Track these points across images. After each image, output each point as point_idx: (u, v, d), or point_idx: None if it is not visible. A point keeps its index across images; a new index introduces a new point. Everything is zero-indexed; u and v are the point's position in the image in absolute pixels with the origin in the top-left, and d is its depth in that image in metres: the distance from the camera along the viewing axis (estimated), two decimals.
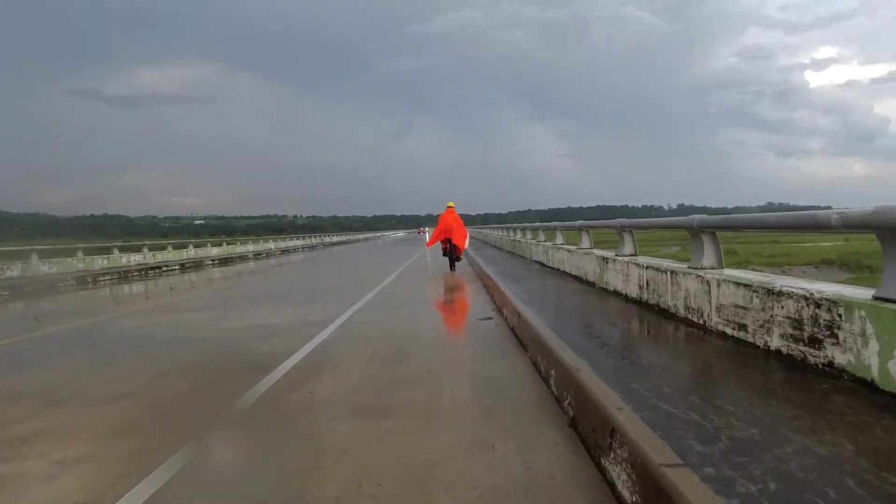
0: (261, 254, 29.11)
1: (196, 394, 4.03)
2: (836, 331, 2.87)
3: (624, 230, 6.67)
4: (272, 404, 3.63)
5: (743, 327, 3.74)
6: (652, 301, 5.42)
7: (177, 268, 20.45)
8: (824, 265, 26.83)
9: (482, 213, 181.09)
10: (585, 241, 8.59)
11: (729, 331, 3.92)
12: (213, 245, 26.40)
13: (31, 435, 3.22)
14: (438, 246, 13.84)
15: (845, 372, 2.83)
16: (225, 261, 24.31)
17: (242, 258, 26.15)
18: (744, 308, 3.71)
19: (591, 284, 7.66)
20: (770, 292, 3.41)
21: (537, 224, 13.01)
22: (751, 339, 3.63)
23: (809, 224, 3.23)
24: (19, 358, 5.78)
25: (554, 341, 4.15)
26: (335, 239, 50.96)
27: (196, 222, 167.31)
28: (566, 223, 10.83)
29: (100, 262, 18.35)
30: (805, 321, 3.10)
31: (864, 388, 2.68)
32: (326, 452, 2.77)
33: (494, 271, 10.44)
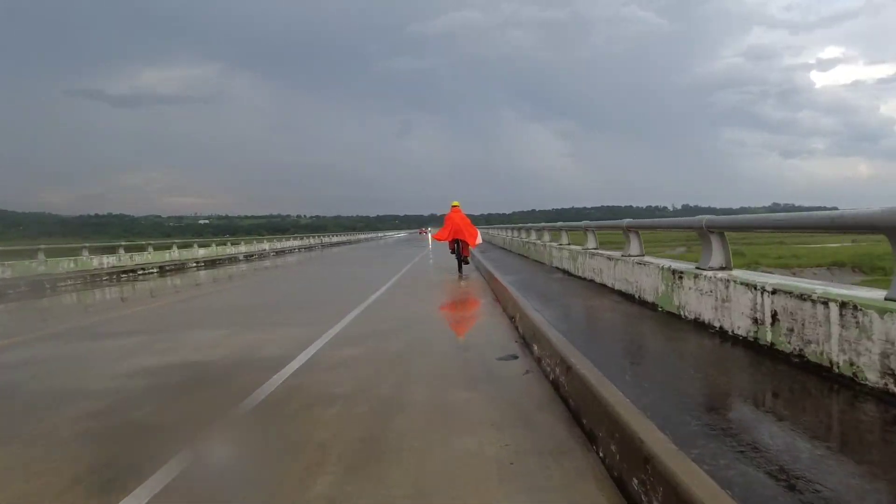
0: (253, 255, 27.03)
1: None
2: None
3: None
4: None
5: None
6: (786, 348, 3.27)
7: (154, 271, 18.39)
8: (836, 267, 24.72)
9: (485, 213, 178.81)
10: (635, 247, 6.41)
11: None
12: (200, 246, 24.29)
13: None
14: (442, 242, 12.38)
15: None
16: (211, 263, 22.25)
17: (232, 260, 24.07)
18: None
19: (650, 307, 5.49)
20: None
21: (559, 224, 10.83)
22: None
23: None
24: None
25: (670, 454, 2.01)
26: (335, 239, 48.86)
27: (200, 222, 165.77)
28: (600, 222, 8.70)
29: (65, 266, 16.27)
30: None
31: None
32: None
33: (511, 282, 8.29)
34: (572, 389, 3.27)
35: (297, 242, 37.01)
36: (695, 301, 4.53)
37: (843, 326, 2.79)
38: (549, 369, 3.96)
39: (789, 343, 3.26)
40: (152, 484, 2.41)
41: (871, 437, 2.22)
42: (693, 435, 2.25)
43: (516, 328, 5.80)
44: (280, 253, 30.31)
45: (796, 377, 2.99)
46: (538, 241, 12.74)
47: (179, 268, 19.80)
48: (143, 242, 21.46)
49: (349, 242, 47.22)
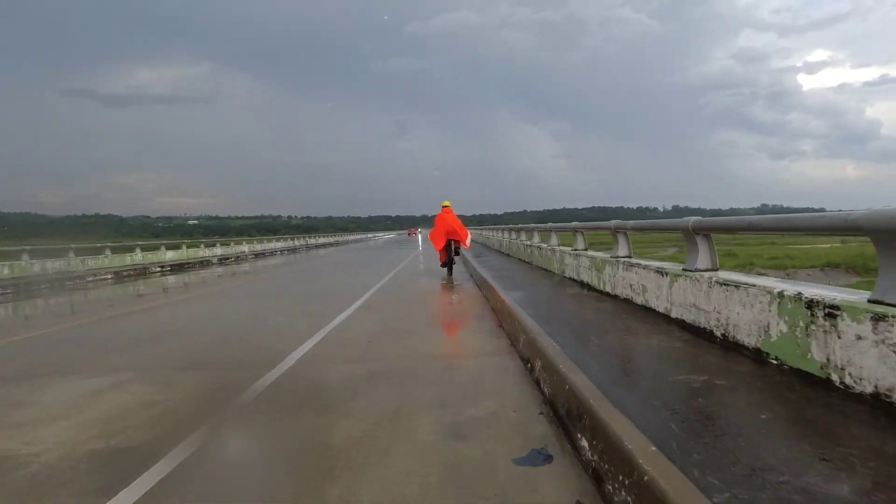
0: (228, 258, 24.71)
1: None
2: None
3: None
4: None
5: None
6: None
7: (108, 277, 16.08)
8: (829, 268, 24.88)
9: (477, 213, 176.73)
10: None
11: None
12: (169, 248, 21.95)
13: None
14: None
15: None
16: (179, 267, 19.95)
17: (204, 264, 21.75)
18: None
19: (752, 355, 3.40)
20: None
21: (574, 224, 8.70)
22: None
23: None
24: None
25: None
26: (321, 240, 46.48)
27: (189, 222, 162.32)
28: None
29: None
30: None
31: None
32: None
33: (519, 300, 6.22)
34: None
35: (279, 244, 34.66)
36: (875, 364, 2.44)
37: None
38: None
39: None
40: None
41: None
42: None
43: (537, 383, 3.70)
44: (260, 255, 28.00)
45: None
46: (544, 246, 10.63)
47: (140, 273, 17.50)
48: (100, 245, 19.10)
49: (336, 244, 44.89)
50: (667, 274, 4.74)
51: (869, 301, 2.58)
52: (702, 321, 4.07)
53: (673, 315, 4.60)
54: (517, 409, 3.24)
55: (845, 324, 2.63)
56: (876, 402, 2.45)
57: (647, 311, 5.12)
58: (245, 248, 28.87)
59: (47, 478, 2.53)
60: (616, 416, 2.42)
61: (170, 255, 21.68)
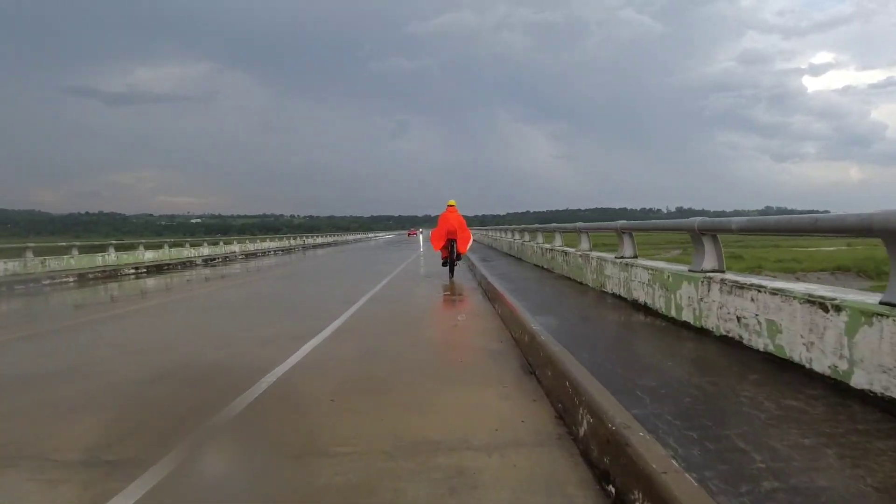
0: (215, 259, 22.65)
1: None
2: None
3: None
4: None
5: None
6: None
7: (70, 280, 14.07)
8: (840, 272, 23.35)
9: (480, 214, 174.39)
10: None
11: None
12: (149, 248, 19.95)
13: None
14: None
15: None
16: (156, 269, 17.92)
17: (186, 265, 19.73)
18: None
19: None
20: None
21: (619, 223, 6.57)
22: None
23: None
24: None
25: None
26: (319, 240, 44.38)
27: (192, 221, 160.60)
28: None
29: None
30: None
31: None
32: None
33: (558, 332, 4.17)
34: None
35: (273, 244, 32.58)
36: None
37: None
38: None
39: None
40: None
41: None
42: None
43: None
44: (251, 256, 25.96)
45: None
46: (571, 251, 8.52)
47: (108, 276, 15.47)
48: (66, 244, 17.09)
49: (335, 244, 42.81)
50: (837, 309, 2.65)
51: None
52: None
53: (862, 387, 2.51)
54: None
55: None
56: None
57: (790, 370, 3.03)
58: (236, 248, 26.83)
59: None
60: None
61: (149, 256, 19.66)
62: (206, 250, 23.94)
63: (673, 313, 4.63)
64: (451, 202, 11.12)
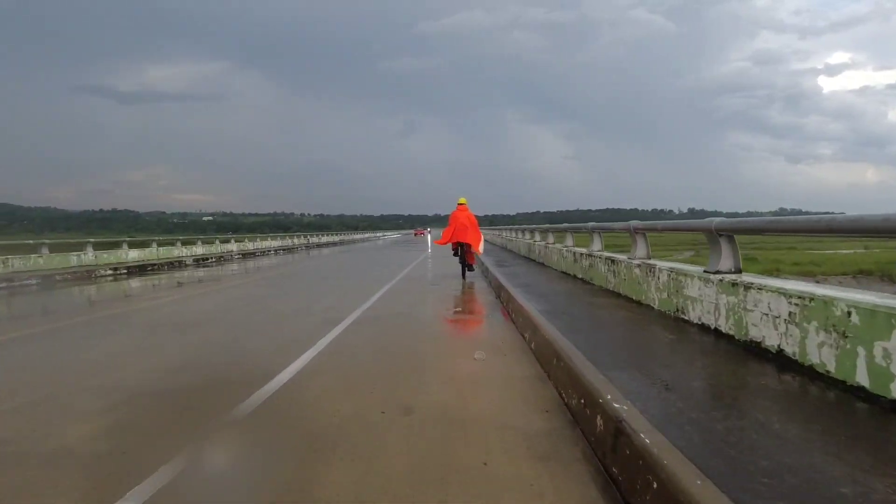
0: (209, 259, 20.83)
1: None
2: None
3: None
4: None
5: None
6: None
7: (33, 283, 12.29)
8: (861, 275, 21.85)
9: (490, 214, 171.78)
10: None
11: None
12: (133, 246, 18.18)
13: None
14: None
15: None
16: (140, 270, 16.15)
17: (175, 265, 17.94)
18: None
19: None
20: None
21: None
22: None
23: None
24: None
25: None
26: (324, 239, 42.48)
27: (204, 219, 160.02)
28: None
29: None
30: None
31: None
32: None
33: (668, 420, 2.04)
34: None
35: (275, 243, 30.74)
36: None
37: None
38: None
39: None
40: None
41: None
42: None
43: None
44: (249, 255, 24.13)
45: None
46: (624, 258, 6.38)
47: (81, 278, 13.70)
48: (33, 242, 15.32)
49: (341, 243, 40.91)
50: None
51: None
52: None
53: None
54: None
55: None
56: None
57: None
58: (233, 247, 25.00)
59: None
60: None
61: (133, 256, 17.87)
62: (199, 249, 22.13)
63: (821, 367, 2.56)
64: (462, 200, 10.55)
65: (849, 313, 2.64)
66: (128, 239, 18.35)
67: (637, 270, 5.67)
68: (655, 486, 1.88)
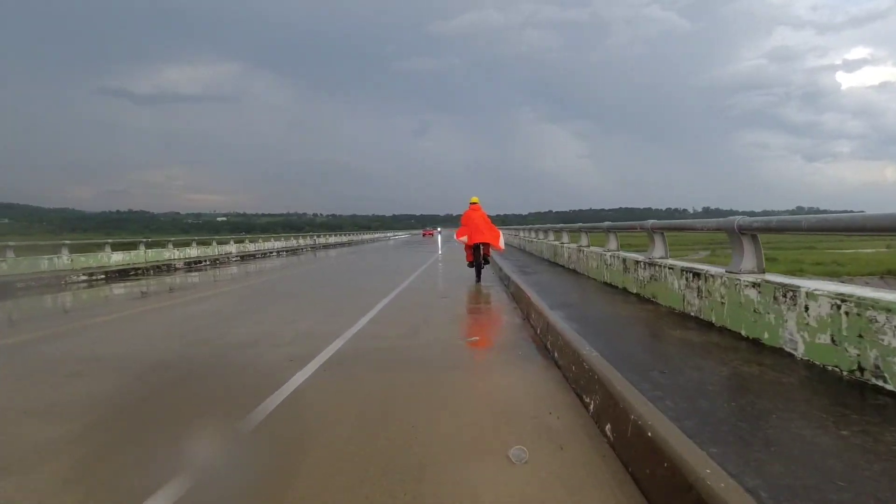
0: (203, 261, 19.12)
1: None
2: None
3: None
4: None
5: None
6: None
7: None
8: (890, 276, 20.70)
9: (502, 213, 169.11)
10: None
11: None
12: (117, 249, 16.54)
13: None
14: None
15: None
16: (121, 275, 14.47)
17: (161, 269, 16.26)
18: None
19: None
20: None
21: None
22: None
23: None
24: None
25: None
26: (332, 240, 40.68)
27: (218, 219, 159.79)
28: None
29: None
30: None
31: None
32: None
33: None
34: None
35: (279, 244, 28.99)
36: None
37: None
38: None
39: None
40: None
41: None
42: None
43: None
44: (248, 258, 22.40)
45: None
46: (720, 272, 4.31)
47: (47, 285, 12.03)
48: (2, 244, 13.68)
49: (350, 244, 39.10)
50: None
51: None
52: None
53: None
54: None
55: None
56: None
57: None
58: (232, 248, 23.28)
59: None
60: None
61: (116, 259, 16.21)
62: (193, 251, 20.42)
63: None
64: (474, 199, 10.02)
65: None
66: (111, 241, 16.68)
67: (754, 293, 3.63)
68: None
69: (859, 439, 2.04)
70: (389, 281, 10.43)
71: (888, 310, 2.49)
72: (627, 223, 7.67)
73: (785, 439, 2.06)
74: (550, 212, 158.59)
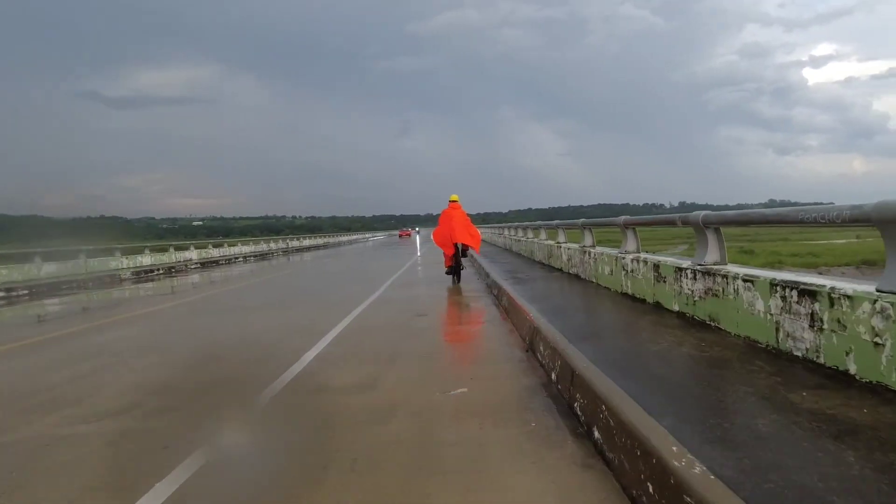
0: (155, 271, 16.99)
1: None
2: None
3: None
4: None
5: None
6: None
7: None
8: (865, 266, 20.63)
9: (482, 212, 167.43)
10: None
11: None
12: (52, 259, 14.39)
13: None
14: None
15: None
16: (52, 289, 12.36)
17: (104, 282, 14.16)
18: None
19: None
20: None
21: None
22: None
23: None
24: None
25: None
26: (307, 242, 38.39)
27: (194, 223, 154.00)
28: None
29: None
30: None
31: None
32: None
33: None
34: None
35: (248, 248, 26.77)
36: None
37: None
38: None
39: None
40: None
41: None
42: None
43: None
44: (211, 264, 20.25)
45: None
46: (842, 287, 2.67)
47: None
48: None
49: (326, 246, 36.91)
50: None
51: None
52: None
53: None
54: None
55: None
56: None
57: None
58: (192, 255, 21.05)
59: None
60: None
61: (49, 271, 14.04)
62: (146, 259, 18.23)
63: None
64: (454, 197, 9.45)
65: None
66: (40, 251, 14.47)
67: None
68: None
69: None
70: (359, 292, 8.63)
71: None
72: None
73: None
74: (530, 209, 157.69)
